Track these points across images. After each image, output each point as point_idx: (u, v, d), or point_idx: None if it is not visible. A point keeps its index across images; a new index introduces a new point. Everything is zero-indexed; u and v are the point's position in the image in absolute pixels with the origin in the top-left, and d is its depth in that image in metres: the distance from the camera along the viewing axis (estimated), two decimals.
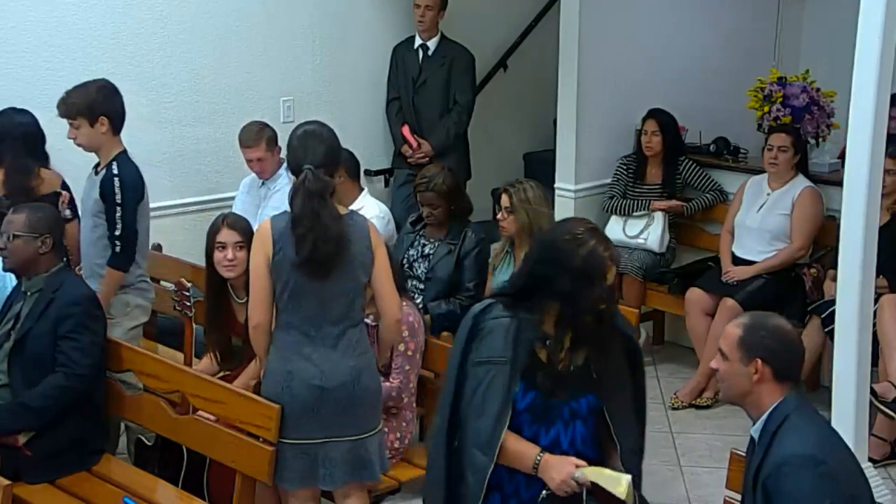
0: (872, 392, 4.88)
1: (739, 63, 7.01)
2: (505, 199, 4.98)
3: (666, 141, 6.40)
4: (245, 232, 4.44)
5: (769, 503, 2.95)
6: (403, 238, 5.43)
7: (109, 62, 5.82)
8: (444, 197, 5.18)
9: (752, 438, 3.15)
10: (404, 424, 4.43)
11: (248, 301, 4.48)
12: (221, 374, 4.44)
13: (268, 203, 5.89)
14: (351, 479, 3.89)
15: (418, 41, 6.75)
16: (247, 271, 4.38)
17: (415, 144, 6.66)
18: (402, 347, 4.40)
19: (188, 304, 4.41)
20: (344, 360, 3.83)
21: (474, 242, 5.24)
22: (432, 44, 6.72)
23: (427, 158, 6.60)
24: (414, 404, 4.50)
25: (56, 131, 5.63)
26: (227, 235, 4.41)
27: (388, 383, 4.35)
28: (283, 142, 5.84)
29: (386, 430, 4.34)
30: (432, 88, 6.71)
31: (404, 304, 4.48)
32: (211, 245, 4.44)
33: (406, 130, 6.70)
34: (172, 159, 6.15)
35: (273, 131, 5.83)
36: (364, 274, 3.86)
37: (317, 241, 3.71)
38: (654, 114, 6.42)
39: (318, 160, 3.78)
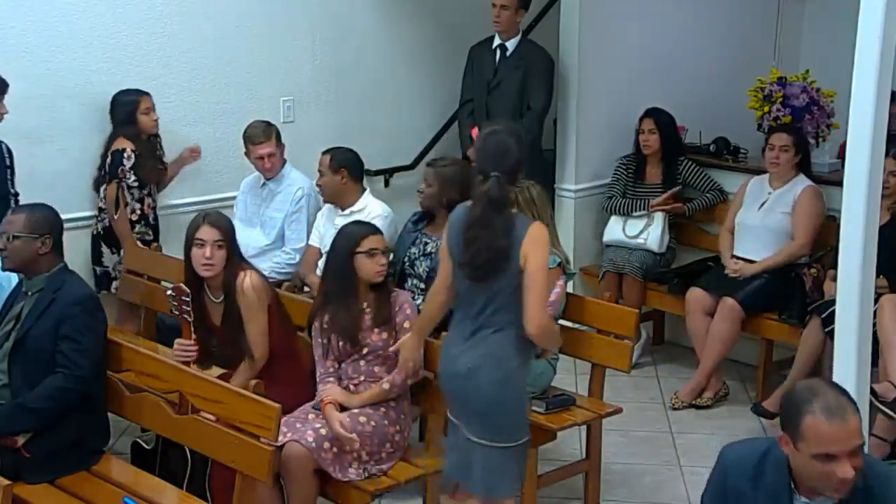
0: (872, 392, 4.87)
1: (739, 63, 7.03)
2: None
3: (663, 140, 6.42)
4: (226, 231, 4.41)
5: None
6: (405, 237, 5.41)
7: (109, 62, 5.83)
8: (440, 179, 5.13)
9: None
10: (402, 417, 4.41)
11: (223, 300, 4.42)
12: (219, 374, 4.43)
13: (270, 204, 5.90)
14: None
15: (497, 41, 6.48)
16: (223, 270, 4.36)
17: None
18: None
19: (186, 308, 4.38)
20: (469, 352, 3.90)
21: None
22: (511, 44, 6.43)
23: None
24: (409, 394, 4.48)
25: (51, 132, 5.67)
26: (207, 233, 4.38)
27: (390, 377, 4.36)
28: (284, 140, 5.88)
29: (386, 422, 4.35)
30: (506, 91, 6.41)
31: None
32: (190, 241, 4.41)
33: (475, 133, 6.48)
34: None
35: (277, 128, 5.84)
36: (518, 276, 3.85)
37: (480, 249, 3.80)
38: (651, 112, 6.44)
39: (506, 168, 3.84)
